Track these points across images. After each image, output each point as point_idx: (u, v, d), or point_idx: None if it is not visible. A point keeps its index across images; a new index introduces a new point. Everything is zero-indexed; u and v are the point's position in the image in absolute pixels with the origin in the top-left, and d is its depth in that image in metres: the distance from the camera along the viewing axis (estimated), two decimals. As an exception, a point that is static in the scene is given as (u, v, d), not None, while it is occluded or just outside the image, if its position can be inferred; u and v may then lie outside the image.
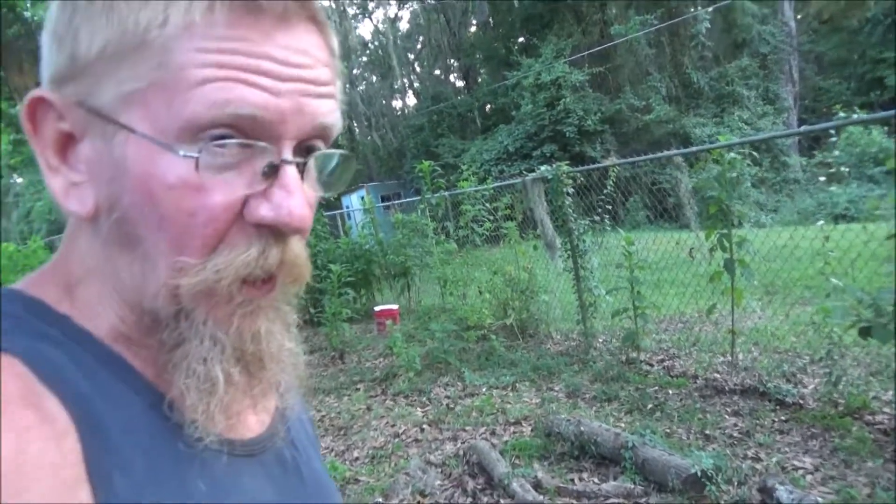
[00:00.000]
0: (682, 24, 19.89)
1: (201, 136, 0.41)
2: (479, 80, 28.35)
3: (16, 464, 0.35)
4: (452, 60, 31.82)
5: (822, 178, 14.77)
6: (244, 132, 0.43)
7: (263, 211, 0.44)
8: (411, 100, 34.96)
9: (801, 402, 4.03)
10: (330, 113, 0.47)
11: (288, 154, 0.44)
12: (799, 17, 24.88)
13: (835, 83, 24.14)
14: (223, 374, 0.46)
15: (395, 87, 34.40)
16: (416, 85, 35.11)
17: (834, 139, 15.28)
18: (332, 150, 0.50)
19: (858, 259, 3.80)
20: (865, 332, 3.16)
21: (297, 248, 0.48)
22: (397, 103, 35.82)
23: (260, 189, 0.44)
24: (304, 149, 0.47)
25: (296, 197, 0.44)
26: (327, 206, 13.87)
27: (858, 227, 3.83)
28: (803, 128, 4.20)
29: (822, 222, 4.70)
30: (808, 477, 3.11)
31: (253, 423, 0.55)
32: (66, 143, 0.45)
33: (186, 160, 0.42)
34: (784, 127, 19.20)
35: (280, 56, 0.43)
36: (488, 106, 25.49)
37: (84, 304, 0.47)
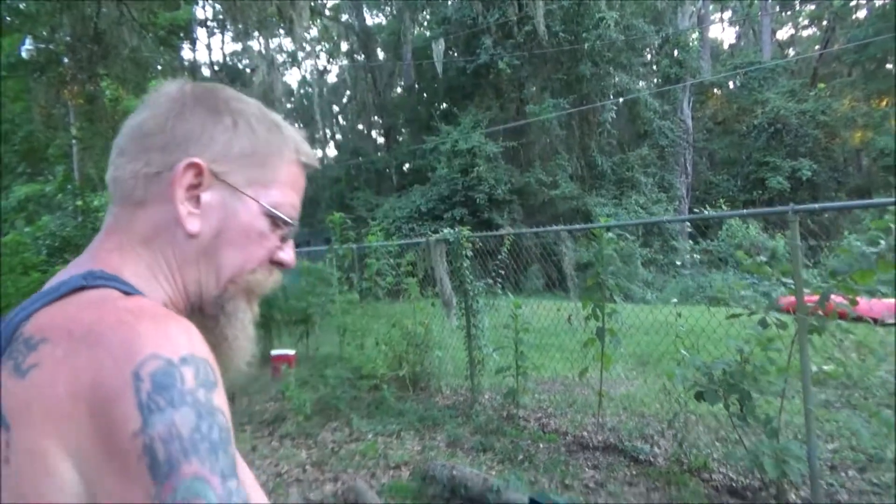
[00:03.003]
0: (592, 111, 21.47)
1: (285, 218, 0.79)
2: (400, 139, 29.12)
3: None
4: (375, 118, 32.58)
5: (704, 265, 16.14)
6: (294, 221, 0.81)
7: (284, 256, 0.81)
8: (331, 151, 35.33)
9: (652, 459, 4.49)
10: None
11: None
12: (696, 116, 27.32)
13: (723, 179, 26.45)
14: (252, 334, 0.81)
15: (317, 136, 34.71)
16: (337, 137, 35.56)
17: (727, 227, 16.82)
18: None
19: (702, 335, 4.38)
20: (700, 396, 3.66)
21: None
22: (317, 153, 36.01)
23: (281, 246, 0.80)
24: None
25: (293, 252, 0.83)
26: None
27: (703, 308, 4.44)
28: (682, 216, 4.79)
29: (675, 301, 5.30)
30: (645, 523, 3.51)
31: None
32: (190, 187, 0.73)
33: (268, 220, 0.77)
34: (675, 213, 20.88)
35: (304, 186, 0.84)
36: (406, 165, 26.20)
37: (136, 280, 0.71)
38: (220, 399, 0.59)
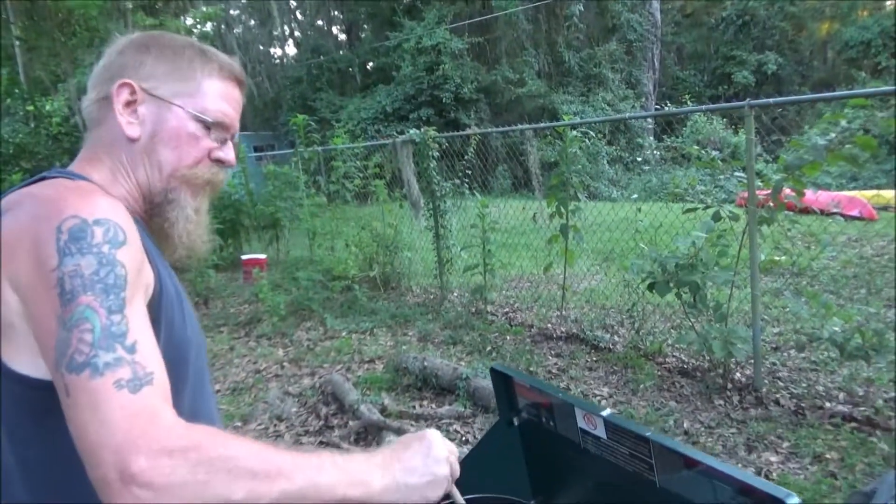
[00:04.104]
0: (560, 3, 20.84)
1: (210, 121, 0.97)
2: (362, 36, 28.03)
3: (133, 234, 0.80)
4: (336, 13, 31.13)
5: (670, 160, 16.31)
6: (224, 125, 1.00)
7: (222, 154, 1.00)
8: (291, 49, 33.88)
9: (611, 347, 4.78)
10: None
11: (231, 136, 1.03)
12: (665, 9, 26.69)
13: (690, 74, 26.25)
14: (195, 217, 1.01)
15: (275, 34, 33.16)
16: (296, 34, 34.01)
17: (692, 123, 16.87)
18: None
19: (660, 230, 4.56)
20: (652, 287, 3.87)
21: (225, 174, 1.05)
22: (276, 51, 34.56)
23: (218, 146, 0.99)
24: None
25: (233, 152, 1.03)
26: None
27: (663, 204, 4.61)
28: (644, 112, 4.85)
29: (635, 197, 5.45)
30: (603, 402, 3.82)
31: None
32: (127, 103, 0.94)
33: (198, 124, 0.96)
34: (642, 110, 20.84)
35: (237, 98, 1.03)
36: (369, 64, 25.38)
37: (102, 181, 0.94)
38: (124, 255, 0.76)
